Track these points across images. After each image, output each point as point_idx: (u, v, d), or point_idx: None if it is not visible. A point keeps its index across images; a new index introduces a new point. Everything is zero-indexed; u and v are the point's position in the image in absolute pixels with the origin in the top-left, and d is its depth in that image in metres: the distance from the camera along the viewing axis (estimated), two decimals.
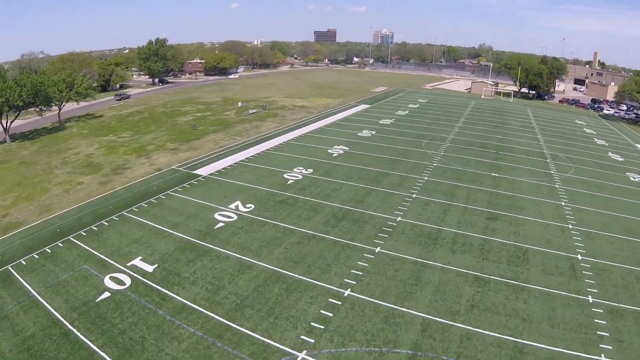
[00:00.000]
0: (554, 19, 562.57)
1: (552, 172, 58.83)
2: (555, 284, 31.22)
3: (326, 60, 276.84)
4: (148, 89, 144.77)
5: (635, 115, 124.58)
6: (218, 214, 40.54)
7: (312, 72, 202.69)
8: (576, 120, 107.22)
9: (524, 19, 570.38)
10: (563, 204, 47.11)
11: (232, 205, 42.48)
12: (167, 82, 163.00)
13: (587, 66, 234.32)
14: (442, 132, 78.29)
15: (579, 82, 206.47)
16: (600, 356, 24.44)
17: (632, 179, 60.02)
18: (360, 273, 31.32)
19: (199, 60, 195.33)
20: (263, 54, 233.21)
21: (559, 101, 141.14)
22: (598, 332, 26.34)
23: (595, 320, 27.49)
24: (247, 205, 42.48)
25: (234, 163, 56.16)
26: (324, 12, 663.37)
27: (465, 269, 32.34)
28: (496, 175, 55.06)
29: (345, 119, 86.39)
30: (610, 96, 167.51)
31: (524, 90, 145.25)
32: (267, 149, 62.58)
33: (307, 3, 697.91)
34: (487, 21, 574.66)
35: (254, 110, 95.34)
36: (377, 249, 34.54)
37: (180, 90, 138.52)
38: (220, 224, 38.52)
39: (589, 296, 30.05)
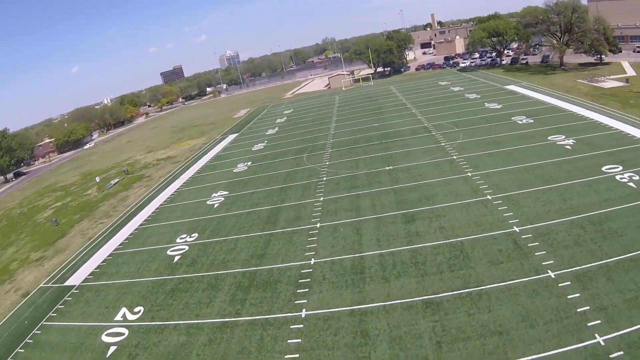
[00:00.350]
0: None
1: (443, 144, 56.53)
2: (509, 273, 27.08)
3: (180, 99, 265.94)
4: (1, 189, 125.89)
5: (491, 59, 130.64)
6: (105, 335, 31.01)
7: (169, 117, 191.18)
8: (439, 82, 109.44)
9: (354, 5, 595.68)
10: (470, 174, 44.15)
11: (119, 316, 33.14)
12: (24, 174, 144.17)
13: (428, 29, 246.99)
14: (320, 138, 74.13)
15: (425, 45, 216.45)
16: (595, 337, 21.12)
17: (519, 122, 59.66)
18: (297, 356, 24.61)
19: (48, 140, 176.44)
20: (113, 112, 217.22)
21: (416, 69, 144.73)
22: (578, 310, 22.98)
23: (569, 297, 23.96)
24: (136, 310, 33.41)
25: (108, 256, 46.44)
26: (167, 50, 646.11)
27: (409, 298, 26.92)
28: (391, 168, 51.39)
29: (216, 157, 78.95)
30: (459, 49, 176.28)
31: (380, 69, 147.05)
32: (141, 224, 53.31)
33: (148, 47, 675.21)
34: (323, 16, 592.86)
35: (117, 180, 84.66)
36: (303, 313, 27.82)
37: (36, 180, 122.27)
38: (112, 349, 29.29)
39: (549, 271, 26.45)
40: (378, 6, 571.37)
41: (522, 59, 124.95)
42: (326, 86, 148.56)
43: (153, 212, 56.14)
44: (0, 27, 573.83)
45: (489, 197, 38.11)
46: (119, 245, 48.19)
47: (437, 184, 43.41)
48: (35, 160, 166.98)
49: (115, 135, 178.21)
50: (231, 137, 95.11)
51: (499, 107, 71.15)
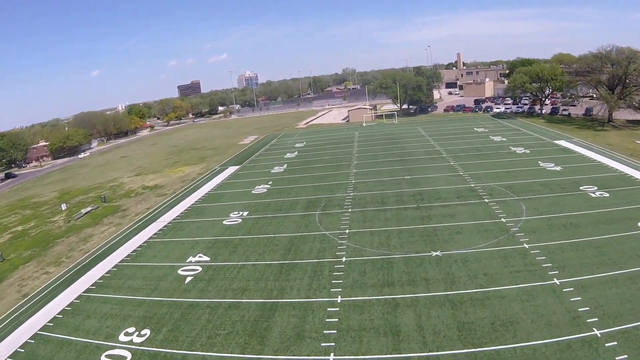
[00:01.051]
0: (399, 35, 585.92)
1: (503, 219, 41.64)
2: None
3: (190, 115, 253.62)
4: None
5: (528, 107, 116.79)
6: None
7: (173, 133, 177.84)
8: (475, 128, 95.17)
9: (375, 39, 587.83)
10: (557, 282, 29.30)
11: None
12: (14, 176, 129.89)
13: (454, 68, 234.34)
14: (337, 188, 59.37)
15: (450, 85, 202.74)
16: None
17: (592, 194, 46.64)
18: None
19: (43, 143, 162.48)
20: (117, 121, 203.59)
21: (444, 110, 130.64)
22: None
23: None
24: None
25: (35, 334, 31.59)
26: (186, 65, 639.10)
27: None
28: (439, 254, 36.00)
29: (208, 197, 64.08)
30: (489, 92, 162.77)
31: (404, 107, 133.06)
32: (87, 289, 38.16)
33: (168, 59, 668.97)
34: (345, 47, 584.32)
35: (89, 209, 69.98)
36: None
37: (19, 187, 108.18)
38: None
39: None
40: (400, 42, 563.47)
41: (563, 110, 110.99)
42: (344, 119, 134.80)
43: (107, 273, 41.01)
44: (32, 26, 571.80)
45: (598, 333, 23.05)
46: (53, 319, 33.53)
47: (513, 296, 28.32)
48: (28, 163, 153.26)
49: (113, 147, 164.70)
50: (231, 169, 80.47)
51: (558, 169, 56.79)
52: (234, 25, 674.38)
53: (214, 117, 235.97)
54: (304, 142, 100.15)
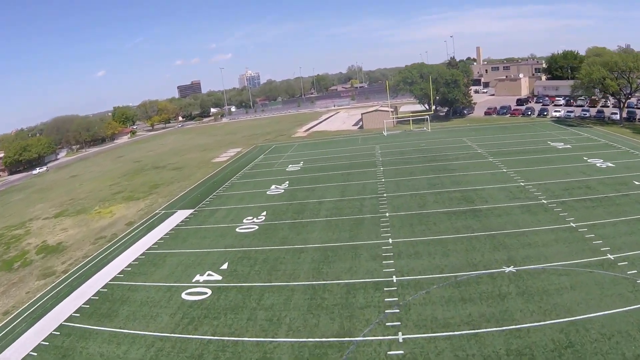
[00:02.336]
0: (404, 33, 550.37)
1: None
2: None
3: (179, 117, 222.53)
4: None
5: (597, 111, 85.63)
6: None
7: (150, 141, 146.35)
8: (549, 142, 63.61)
9: (379, 38, 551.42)
10: None
11: None
12: None
13: (474, 63, 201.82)
14: (359, 274, 28.29)
15: (474, 83, 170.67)
16: None
17: None
18: None
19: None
20: (91, 127, 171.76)
21: (485, 113, 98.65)
22: None
23: None
24: None
25: None
26: (191, 65, 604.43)
27: None
28: None
29: (122, 274, 33.07)
30: (524, 91, 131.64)
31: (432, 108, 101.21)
32: None
33: (175, 59, 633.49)
34: (350, 44, 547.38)
35: None
36: None
37: None
38: None
39: None
40: (405, 40, 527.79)
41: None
42: (356, 124, 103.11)
43: None
44: (37, 25, 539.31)
45: None
46: None
47: None
48: None
49: (77, 159, 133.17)
50: (181, 214, 48.93)
51: None
52: (237, 25, 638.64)
53: (204, 120, 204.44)
54: (301, 162, 68.13)
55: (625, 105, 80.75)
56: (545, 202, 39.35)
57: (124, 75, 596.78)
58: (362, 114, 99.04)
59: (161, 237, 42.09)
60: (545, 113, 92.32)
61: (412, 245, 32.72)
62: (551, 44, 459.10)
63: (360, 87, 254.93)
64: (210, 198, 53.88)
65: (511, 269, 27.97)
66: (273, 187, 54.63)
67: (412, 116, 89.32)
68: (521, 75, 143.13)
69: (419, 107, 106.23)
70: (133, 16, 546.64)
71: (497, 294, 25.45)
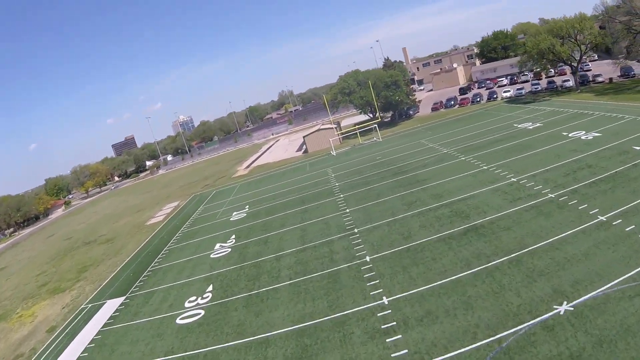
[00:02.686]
0: (329, 49, 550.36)
1: None
2: None
3: (115, 177, 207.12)
4: None
5: (549, 83, 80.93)
6: None
7: (84, 209, 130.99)
8: (515, 125, 57.02)
9: (313, 55, 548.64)
10: None
11: None
12: None
13: (403, 64, 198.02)
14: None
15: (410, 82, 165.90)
16: None
17: None
18: None
19: None
20: (22, 206, 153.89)
21: (432, 109, 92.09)
22: None
23: None
24: None
25: None
26: (123, 121, 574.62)
27: None
28: None
29: None
30: (461, 80, 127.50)
31: (372, 115, 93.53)
32: None
33: (106, 117, 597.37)
34: (279, 71, 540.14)
35: None
36: None
37: None
38: None
39: None
40: (334, 56, 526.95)
41: (596, 76, 76.20)
42: (300, 150, 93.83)
43: None
44: None
45: None
46: None
47: None
48: None
49: (9, 246, 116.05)
50: (108, 309, 37.48)
51: None
52: (163, 72, 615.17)
53: (141, 175, 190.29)
54: (247, 207, 57.29)
55: (577, 71, 75.71)
56: (552, 196, 31.18)
57: (57, 142, 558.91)
58: (304, 137, 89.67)
59: (85, 349, 30.80)
60: (495, 96, 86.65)
61: (417, 301, 23.06)
62: (469, 33, 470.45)
63: (295, 110, 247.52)
64: (145, 276, 42.58)
65: (566, 306, 19.43)
66: (218, 246, 43.87)
67: (358, 128, 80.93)
68: (455, 65, 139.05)
69: (363, 117, 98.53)
70: (59, 77, 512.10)
71: (569, 355, 16.43)
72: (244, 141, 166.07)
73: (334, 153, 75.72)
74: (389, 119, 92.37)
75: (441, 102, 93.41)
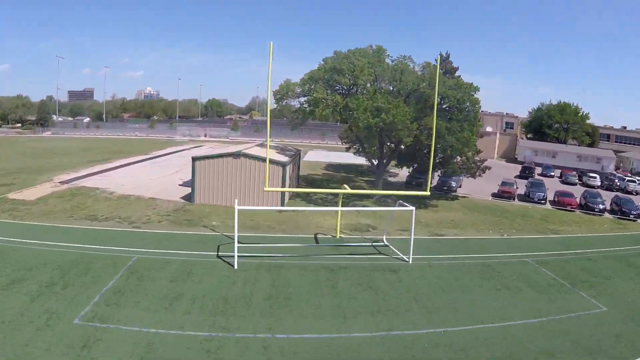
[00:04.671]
0: None
1: None
2: None
3: None
4: None
5: None
6: None
7: None
8: None
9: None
10: None
11: None
12: None
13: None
14: None
15: None
16: None
17: None
18: None
19: None
20: None
21: (500, 193, 40.13)
22: None
23: None
24: None
25: None
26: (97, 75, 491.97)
27: None
28: None
29: None
30: (496, 152, 78.84)
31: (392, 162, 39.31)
32: None
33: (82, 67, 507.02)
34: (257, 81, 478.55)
35: None
36: None
37: None
38: None
39: None
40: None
41: None
42: (186, 185, 38.47)
43: None
44: None
45: None
46: None
47: None
48: None
49: None
50: None
51: None
52: (153, 46, 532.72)
53: (26, 131, 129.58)
54: None
55: None
56: None
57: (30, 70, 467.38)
58: (193, 159, 33.94)
59: None
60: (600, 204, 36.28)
61: None
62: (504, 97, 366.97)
63: (258, 119, 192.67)
64: None
65: None
66: None
67: (338, 192, 27.32)
68: (489, 129, 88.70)
69: (349, 157, 45.56)
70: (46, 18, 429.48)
71: None
72: (165, 131, 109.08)
73: (235, 266, 20.97)
74: (414, 184, 39.05)
75: (514, 184, 42.28)
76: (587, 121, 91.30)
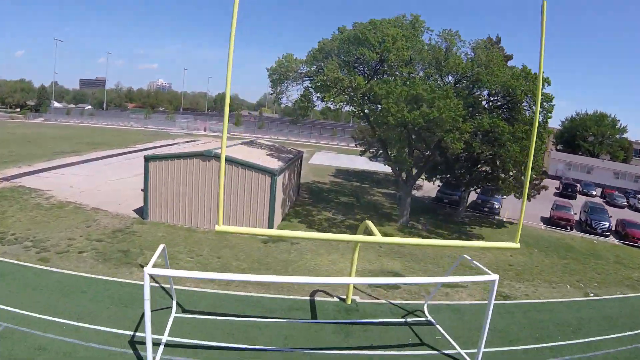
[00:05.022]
0: None
1: None
2: None
3: None
4: None
5: None
6: None
7: None
8: None
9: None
10: None
11: None
12: None
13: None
14: None
15: None
16: None
17: None
18: None
19: None
20: None
21: (551, 220, 30.97)
22: None
23: None
24: None
25: None
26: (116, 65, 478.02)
27: None
28: None
29: None
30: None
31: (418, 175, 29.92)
32: None
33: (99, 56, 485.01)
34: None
35: None
36: None
37: None
38: None
39: None
40: None
41: None
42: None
43: None
44: None
45: None
46: None
47: None
48: None
49: None
50: None
51: None
52: (171, 39, 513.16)
53: (20, 116, 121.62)
54: None
55: None
56: None
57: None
58: (146, 158, 23.25)
59: None
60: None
61: None
62: None
63: (268, 117, 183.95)
64: None
65: None
66: None
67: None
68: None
69: (363, 161, 37.10)
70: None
71: None
72: (162, 123, 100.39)
73: None
74: (445, 202, 30.05)
75: (571, 208, 33.21)
76: (625, 134, 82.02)
